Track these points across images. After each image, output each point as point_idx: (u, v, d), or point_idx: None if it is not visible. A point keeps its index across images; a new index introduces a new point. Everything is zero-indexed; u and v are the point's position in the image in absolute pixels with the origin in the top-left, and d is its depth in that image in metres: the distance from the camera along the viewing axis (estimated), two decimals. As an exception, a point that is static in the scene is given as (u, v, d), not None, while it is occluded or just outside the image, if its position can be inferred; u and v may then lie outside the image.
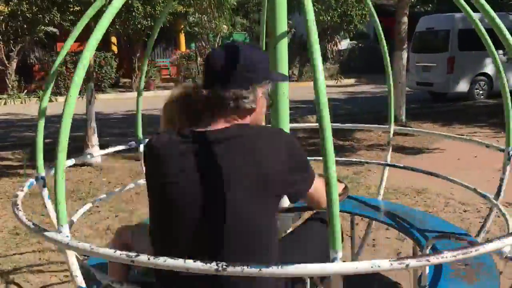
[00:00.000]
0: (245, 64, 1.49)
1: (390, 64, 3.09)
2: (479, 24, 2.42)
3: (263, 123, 1.69)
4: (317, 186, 1.57)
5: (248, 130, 1.49)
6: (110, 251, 1.33)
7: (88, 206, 2.66)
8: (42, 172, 2.04)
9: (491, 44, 2.41)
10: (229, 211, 1.41)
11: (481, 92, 12.94)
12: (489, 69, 12.58)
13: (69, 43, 1.84)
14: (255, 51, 1.56)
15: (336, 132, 8.21)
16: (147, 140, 1.64)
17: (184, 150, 1.48)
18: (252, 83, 1.50)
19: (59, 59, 1.88)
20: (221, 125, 1.51)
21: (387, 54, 3.06)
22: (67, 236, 1.49)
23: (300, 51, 19.77)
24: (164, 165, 1.49)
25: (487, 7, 1.89)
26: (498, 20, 1.83)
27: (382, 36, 2.96)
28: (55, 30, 14.86)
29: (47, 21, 8.40)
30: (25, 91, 10.66)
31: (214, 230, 1.43)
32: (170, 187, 1.48)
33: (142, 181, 3.39)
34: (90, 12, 1.82)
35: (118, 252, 1.30)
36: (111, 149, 3.00)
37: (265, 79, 1.55)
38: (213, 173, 1.43)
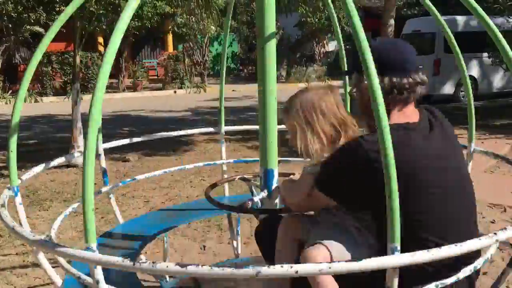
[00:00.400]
0: (402, 51, 1.73)
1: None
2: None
3: None
4: None
5: (438, 117, 1.67)
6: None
7: (72, 207, 2.62)
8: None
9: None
10: (470, 188, 1.66)
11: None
12: (474, 71, 12.72)
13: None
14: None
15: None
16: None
17: (431, 140, 1.58)
18: (402, 73, 1.62)
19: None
20: (409, 112, 1.62)
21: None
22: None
23: (288, 52, 19.82)
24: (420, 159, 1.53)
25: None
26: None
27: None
28: (40, 30, 14.69)
29: (32, 21, 8.30)
30: (10, 91, 10.54)
31: (471, 211, 1.65)
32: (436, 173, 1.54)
33: (128, 181, 3.37)
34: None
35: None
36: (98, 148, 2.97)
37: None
38: (455, 155, 1.64)
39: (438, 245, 1.36)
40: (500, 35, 1.72)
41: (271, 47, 1.90)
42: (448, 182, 1.54)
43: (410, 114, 1.60)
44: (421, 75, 1.62)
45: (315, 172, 1.58)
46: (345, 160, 1.51)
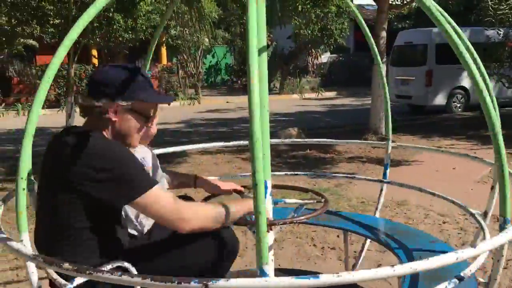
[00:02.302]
0: (103, 80, 1.78)
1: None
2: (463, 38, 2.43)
3: (133, 140, 1.87)
4: (155, 199, 1.68)
5: (77, 138, 1.71)
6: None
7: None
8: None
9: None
10: (44, 207, 1.77)
11: (458, 105, 13.19)
12: (466, 82, 12.84)
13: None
14: (122, 71, 1.80)
15: (317, 145, 8.26)
16: None
17: (49, 145, 1.81)
18: (104, 97, 1.75)
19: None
20: (82, 127, 1.80)
21: (381, 67, 3.09)
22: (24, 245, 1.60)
23: (281, 64, 19.93)
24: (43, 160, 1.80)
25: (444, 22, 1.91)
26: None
27: (374, 46, 2.95)
28: (34, 43, 14.72)
29: (26, 34, 8.33)
30: (3, 104, 10.50)
31: (40, 222, 1.82)
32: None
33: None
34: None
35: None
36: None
37: (122, 96, 1.76)
38: (46, 170, 1.76)
39: None
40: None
41: (263, 59, 1.92)
42: None
43: None
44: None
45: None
46: None
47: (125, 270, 1.69)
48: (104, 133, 1.79)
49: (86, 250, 1.72)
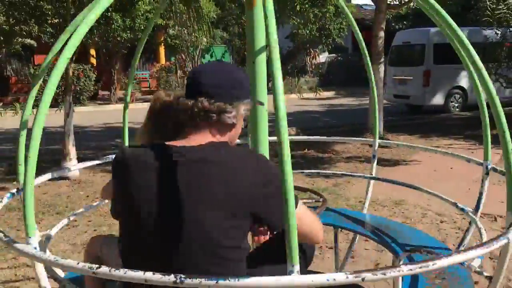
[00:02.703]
0: (232, 80, 1.53)
1: (375, 77, 3.13)
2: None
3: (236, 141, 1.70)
4: (302, 217, 1.51)
5: (221, 153, 1.48)
6: (73, 263, 1.32)
7: (65, 220, 2.62)
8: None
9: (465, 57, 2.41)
10: (192, 228, 1.42)
11: (456, 105, 13.22)
12: (463, 82, 12.87)
13: (50, 57, 1.84)
14: (240, 71, 1.61)
15: (315, 144, 8.28)
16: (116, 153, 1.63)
17: (153, 164, 1.47)
18: (236, 99, 1.53)
19: (42, 76, 1.88)
20: (199, 139, 1.51)
21: (370, 68, 3.11)
22: (35, 248, 1.52)
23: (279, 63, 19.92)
24: (130, 178, 1.50)
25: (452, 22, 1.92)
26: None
27: (364, 47, 2.98)
28: (32, 42, 14.71)
29: (24, 33, 8.32)
30: (1, 103, 10.51)
31: (169, 247, 1.44)
32: (133, 200, 1.48)
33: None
34: (71, 28, 1.83)
35: (81, 264, 1.31)
36: (88, 163, 2.98)
37: (247, 98, 1.58)
38: (177, 190, 1.43)
39: None
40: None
41: (261, 60, 1.93)
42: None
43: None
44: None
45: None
46: None
47: None
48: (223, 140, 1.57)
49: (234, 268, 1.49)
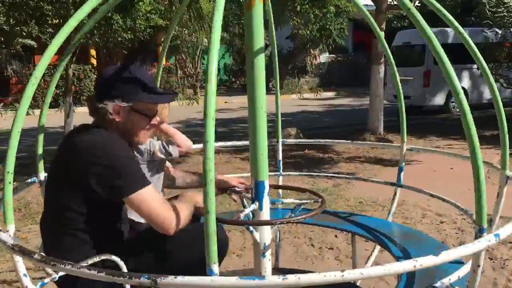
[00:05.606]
0: (106, 81, 1.86)
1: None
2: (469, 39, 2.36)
3: (140, 138, 1.95)
4: (146, 198, 1.73)
5: (78, 132, 1.85)
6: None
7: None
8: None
9: (481, 58, 2.31)
10: (50, 197, 1.88)
11: (456, 105, 13.21)
12: (464, 82, 12.86)
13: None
14: (124, 72, 1.85)
15: (316, 145, 8.26)
16: None
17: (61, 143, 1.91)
18: (108, 98, 1.82)
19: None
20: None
21: (394, 67, 3.08)
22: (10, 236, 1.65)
23: (279, 64, 19.92)
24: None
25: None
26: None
27: (387, 48, 2.95)
28: (32, 43, 14.71)
29: (24, 34, 8.33)
30: (1, 104, 10.50)
31: (46, 210, 1.93)
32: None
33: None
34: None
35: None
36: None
37: (124, 97, 1.82)
38: (54, 163, 1.87)
39: None
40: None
41: (260, 61, 1.93)
42: None
43: None
44: None
45: None
46: None
47: (113, 264, 1.74)
48: (110, 131, 1.86)
49: (80, 240, 1.79)
